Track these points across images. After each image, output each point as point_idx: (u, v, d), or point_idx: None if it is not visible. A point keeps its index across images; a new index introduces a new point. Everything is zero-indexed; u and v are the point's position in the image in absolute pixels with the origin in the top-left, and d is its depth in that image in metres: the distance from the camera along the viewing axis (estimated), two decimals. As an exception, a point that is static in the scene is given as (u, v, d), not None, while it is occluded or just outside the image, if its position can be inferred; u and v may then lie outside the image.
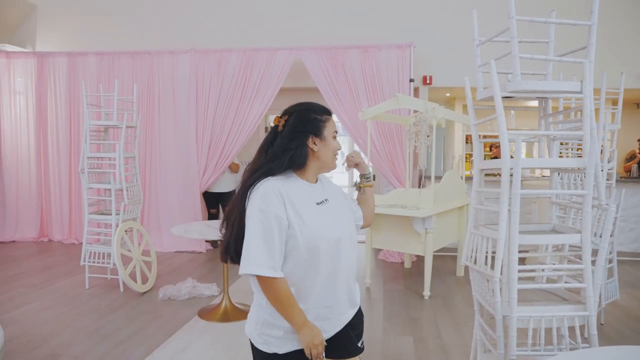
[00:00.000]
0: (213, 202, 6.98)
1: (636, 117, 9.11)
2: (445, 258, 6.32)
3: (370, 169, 1.95)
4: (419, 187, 6.35)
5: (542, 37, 2.44)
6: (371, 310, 4.34)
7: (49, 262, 5.93)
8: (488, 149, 9.83)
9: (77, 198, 7.08)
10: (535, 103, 2.67)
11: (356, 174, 1.97)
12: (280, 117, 1.77)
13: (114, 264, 4.70)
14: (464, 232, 5.40)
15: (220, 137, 6.68)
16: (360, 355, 1.82)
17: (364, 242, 5.06)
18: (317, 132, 1.72)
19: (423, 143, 5.09)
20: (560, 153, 4.14)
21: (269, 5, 7.18)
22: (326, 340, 1.68)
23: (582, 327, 2.21)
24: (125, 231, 4.77)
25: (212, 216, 7.00)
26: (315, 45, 6.49)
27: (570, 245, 2.56)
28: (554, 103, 3.77)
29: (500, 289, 2.17)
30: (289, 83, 6.77)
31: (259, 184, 1.63)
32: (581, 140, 2.23)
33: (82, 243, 5.04)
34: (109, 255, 4.89)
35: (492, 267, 2.17)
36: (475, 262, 2.35)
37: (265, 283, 1.59)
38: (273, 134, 1.74)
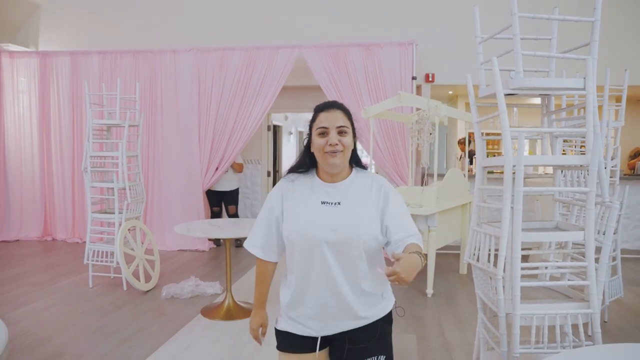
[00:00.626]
0: (216, 200, 6.98)
1: (640, 114, 9.06)
2: (449, 256, 6.31)
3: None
4: (422, 185, 6.35)
5: (544, 34, 2.44)
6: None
7: (53, 261, 5.95)
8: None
9: (81, 197, 7.10)
10: (538, 100, 2.66)
11: None
12: None
13: (117, 263, 4.71)
14: (467, 230, 5.40)
15: (223, 136, 6.68)
16: None
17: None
18: (310, 129, 1.72)
19: (426, 141, 5.08)
20: (564, 150, 4.13)
21: (271, 3, 7.17)
22: (324, 340, 1.72)
23: (585, 325, 2.21)
24: (129, 230, 4.78)
25: (215, 214, 7.00)
26: (317, 43, 6.48)
27: (573, 243, 2.56)
28: (557, 100, 3.77)
29: (504, 287, 2.16)
30: (292, 81, 6.77)
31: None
32: (584, 138, 2.23)
33: (85, 242, 5.05)
34: (112, 253, 4.90)
35: (495, 264, 2.17)
36: (478, 260, 2.34)
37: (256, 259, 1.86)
38: None
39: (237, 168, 6.90)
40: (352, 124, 1.71)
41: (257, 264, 1.87)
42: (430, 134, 5.05)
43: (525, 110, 8.39)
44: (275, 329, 1.83)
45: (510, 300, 2.13)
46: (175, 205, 6.85)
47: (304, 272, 1.68)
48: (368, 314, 1.69)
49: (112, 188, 4.86)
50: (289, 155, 11.81)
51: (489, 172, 2.58)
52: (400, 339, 3.66)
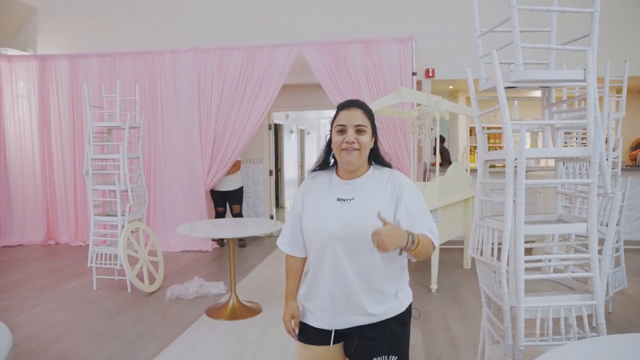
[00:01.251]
0: (220, 200, 6.99)
1: (641, 105, 9.03)
2: (452, 251, 6.31)
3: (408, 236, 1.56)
4: (424, 180, 6.35)
5: (544, 26, 2.43)
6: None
7: (57, 265, 5.96)
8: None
9: (83, 200, 7.11)
10: (538, 93, 2.66)
11: None
12: None
13: (121, 265, 4.72)
14: (469, 224, 5.39)
15: (224, 135, 6.68)
16: None
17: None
18: (331, 127, 1.76)
19: (427, 136, 5.07)
20: (565, 143, 4.12)
21: (270, 1, 7.16)
22: (339, 334, 1.75)
23: (590, 317, 2.21)
24: (132, 232, 4.78)
25: (219, 215, 7.01)
26: (316, 40, 6.47)
27: (576, 235, 2.55)
28: (558, 93, 3.75)
29: (507, 280, 2.16)
30: (291, 80, 6.76)
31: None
32: (585, 129, 2.22)
33: (88, 245, 5.06)
34: (115, 256, 4.90)
35: (499, 258, 2.16)
36: (481, 254, 2.34)
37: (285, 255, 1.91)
38: None
39: (234, 167, 6.88)
40: (373, 124, 1.74)
41: (287, 259, 1.91)
42: (432, 129, 5.05)
43: (525, 103, 8.38)
44: (301, 322, 1.86)
45: (515, 294, 2.13)
46: (178, 206, 6.85)
47: (318, 266, 1.72)
48: (378, 311, 1.68)
49: (114, 190, 4.87)
50: (291, 153, 11.81)
51: (490, 166, 2.57)
52: (405, 334, 3.66)
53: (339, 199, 1.70)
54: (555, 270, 2.59)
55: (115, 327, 3.88)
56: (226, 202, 7.01)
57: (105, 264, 4.93)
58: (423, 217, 1.68)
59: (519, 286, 2.10)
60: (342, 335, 1.77)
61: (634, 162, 8.00)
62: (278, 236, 1.93)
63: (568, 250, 2.54)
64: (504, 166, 2.15)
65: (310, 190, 1.80)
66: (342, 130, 1.68)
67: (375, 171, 1.77)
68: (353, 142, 1.66)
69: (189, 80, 6.73)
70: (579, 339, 2.22)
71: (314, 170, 1.85)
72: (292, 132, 11.81)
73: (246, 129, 6.64)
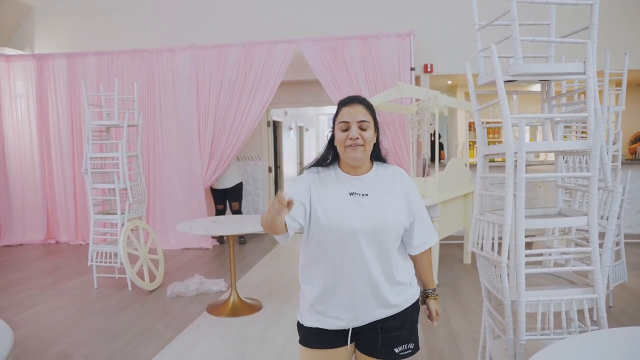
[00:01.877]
0: (220, 198, 6.98)
1: (641, 99, 9.02)
2: (452, 246, 6.31)
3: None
4: (423, 175, 6.34)
5: (543, 19, 2.42)
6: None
7: (57, 264, 5.96)
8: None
9: (82, 199, 7.11)
10: (537, 88, 2.65)
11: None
12: None
13: (122, 263, 4.71)
14: (469, 219, 5.39)
15: (223, 133, 6.68)
16: None
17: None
18: (333, 124, 1.75)
19: (426, 131, 5.07)
20: (565, 136, 4.11)
21: (267, -2, 7.14)
22: (354, 333, 1.74)
23: (590, 310, 2.21)
24: (132, 230, 4.78)
25: (219, 212, 7.00)
26: (314, 36, 6.46)
27: (577, 229, 2.55)
28: (557, 87, 3.75)
29: (508, 274, 2.16)
30: (290, 76, 6.75)
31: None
32: (585, 123, 2.21)
33: (88, 243, 5.06)
34: (116, 254, 4.90)
35: (499, 252, 2.16)
36: (482, 249, 2.34)
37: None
38: None
39: None
40: (375, 119, 1.76)
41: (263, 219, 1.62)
42: (430, 124, 5.04)
43: (525, 97, 8.37)
44: (300, 325, 1.80)
45: (515, 288, 2.12)
46: (178, 203, 6.85)
47: (338, 262, 1.69)
48: (399, 301, 1.73)
49: (114, 189, 4.86)
50: (290, 150, 11.79)
51: (490, 160, 2.56)
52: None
53: (351, 193, 1.70)
54: (556, 264, 2.59)
55: (116, 325, 3.89)
56: (225, 199, 7.00)
57: (105, 262, 4.93)
58: (424, 214, 1.81)
59: (519, 280, 2.09)
60: (356, 334, 1.75)
61: (634, 155, 7.99)
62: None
63: (568, 244, 2.54)
64: (503, 160, 2.15)
65: (317, 185, 1.73)
66: (346, 127, 1.69)
67: (380, 168, 1.79)
68: (357, 138, 1.66)
69: (187, 77, 6.71)
70: (580, 332, 2.22)
71: (312, 166, 1.81)
72: (290, 129, 11.79)
73: (245, 126, 6.63)
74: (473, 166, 6.42)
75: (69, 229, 7.25)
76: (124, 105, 5.73)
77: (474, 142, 9.15)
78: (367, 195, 1.70)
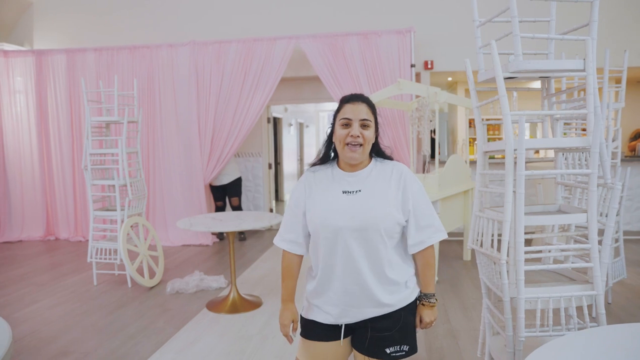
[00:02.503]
0: (219, 195, 6.98)
1: (640, 95, 9.03)
2: (452, 243, 6.32)
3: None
4: (423, 172, 6.34)
5: (543, 16, 2.41)
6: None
7: (57, 260, 5.97)
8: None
9: (82, 195, 7.11)
10: (537, 84, 2.64)
11: None
12: None
13: (121, 260, 4.72)
14: (469, 216, 5.40)
15: (223, 129, 6.67)
16: None
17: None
18: (333, 121, 1.76)
19: (426, 128, 5.06)
20: (565, 133, 4.11)
21: (266, -6, 7.13)
22: (348, 329, 1.76)
23: (589, 307, 2.21)
24: (131, 226, 4.78)
25: (218, 209, 7.01)
26: (314, 33, 6.44)
27: (576, 225, 2.55)
28: (557, 84, 3.74)
29: (507, 271, 2.16)
30: (290, 72, 6.74)
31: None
32: (585, 120, 2.21)
33: (88, 240, 5.06)
34: (115, 251, 4.90)
35: (499, 249, 2.16)
36: (481, 245, 2.34)
37: (282, 252, 1.85)
38: None
39: None
40: (376, 118, 1.76)
41: (284, 257, 1.83)
42: (431, 121, 5.03)
43: (525, 94, 8.36)
44: (301, 317, 1.86)
45: (515, 285, 2.13)
46: (178, 200, 6.85)
47: (328, 260, 1.70)
48: (390, 301, 1.71)
49: (113, 185, 4.86)
50: (290, 147, 11.79)
51: (490, 157, 2.56)
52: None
53: (344, 192, 1.71)
54: (555, 261, 2.59)
55: (116, 322, 3.89)
56: (225, 196, 7.00)
57: (105, 258, 4.93)
58: (425, 211, 1.75)
59: (519, 277, 2.10)
60: (351, 330, 1.77)
61: (633, 152, 8.00)
62: (278, 229, 1.91)
63: (568, 240, 2.54)
64: (503, 157, 2.15)
65: (312, 184, 1.78)
66: (347, 124, 1.69)
67: (378, 163, 1.78)
68: (358, 136, 1.67)
69: (187, 73, 6.70)
70: (579, 329, 2.23)
71: (315, 164, 1.83)
72: (291, 125, 11.79)
73: (245, 122, 6.62)
74: (473, 163, 6.42)
75: (69, 225, 7.25)
76: (124, 102, 5.73)
77: (474, 139, 9.15)
78: (360, 191, 1.70)
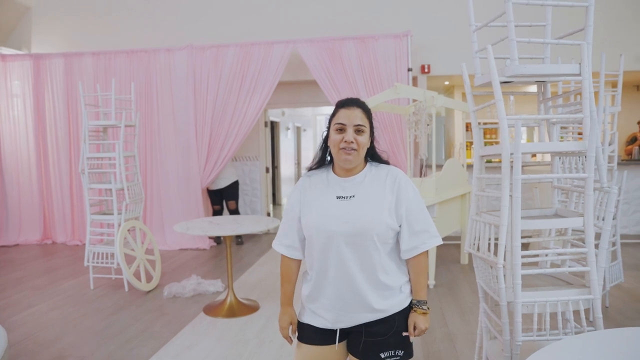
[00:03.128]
0: (216, 199, 6.98)
1: (637, 100, 9.06)
2: (449, 247, 6.32)
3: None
4: (421, 176, 6.34)
5: (539, 21, 2.42)
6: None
7: (54, 264, 5.95)
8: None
9: (79, 199, 7.09)
10: (534, 89, 2.65)
11: None
12: None
13: (118, 264, 4.71)
14: (466, 220, 5.40)
15: (220, 133, 6.67)
16: None
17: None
18: (329, 125, 1.75)
19: (423, 132, 5.07)
20: (562, 137, 4.12)
21: (264, -2, 7.14)
22: (343, 333, 1.76)
23: (587, 311, 2.21)
24: (128, 230, 4.77)
25: (216, 213, 7.00)
26: (312, 37, 6.46)
27: (573, 229, 2.55)
28: (553, 88, 3.75)
29: (504, 275, 2.16)
30: (287, 76, 6.76)
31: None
32: (581, 124, 2.22)
33: (85, 244, 5.05)
34: (112, 255, 4.89)
35: (496, 253, 2.16)
36: (478, 249, 2.34)
37: (281, 257, 1.86)
38: None
39: None
40: (371, 124, 1.76)
41: (282, 262, 1.86)
42: (428, 125, 5.04)
43: (521, 98, 8.39)
44: (297, 321, 1.87)
45: (512, 289, 2.13)
46: (175, 204, 6.84)
47: (322, 265, 1.71)
48: (384, 306, 1.70)
49: (111, 189, 4.85)
50: (287, 151, 11.79)
51: (487, 161, 2.57)
52: (403, 330, 3.66)
53: (338, 197, 1.70)
54: (552, 265, 2.60)
55: (113, 326, 3.88)
56: (222, 200, 7.00)
57: (102, 262, 4.92)
58: (420, 216, 1.73)
59: (516, 281, 2.10)
60: (346, 334, 1.77)
61: (630, 156, 8.02)
62: (275, 233, 1.92)
63: (565, 244, 2.55)
64: (500, 161, 2.15)
65: (307, 189, 1.78)
66: (341, 129, 1.68)
67: (373, 168, 1.78)
68: (352, 142, 1.66)
69: (184, 77, 6.71)
70: (576, 333, 2.22)
71: (311, 168, 1.83)
72: (288, 129, 11.79)
73: (242, 126, 6.63)
74: (470, 167, 6.43)
75: (66, 229, 7.23)
76: (121, 105, 5.73)
77: (471, 143, 9.16)
78: (353, 196, 1.69)
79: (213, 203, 7.00)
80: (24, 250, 6.83)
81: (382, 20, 6.81)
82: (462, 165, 5.71)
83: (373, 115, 1.80)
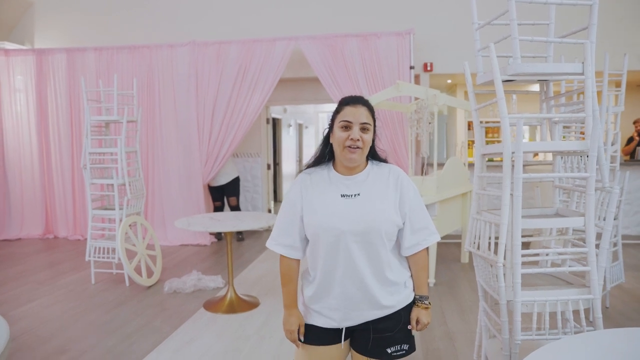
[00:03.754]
0: (217, 195, 6.98)
1: (637, 100, 9.03)
2: (450, 245, 6.32)
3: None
4: (422, 174, 6.34)
5: (542, 19, 2.42)
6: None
7: (55, 259, 5.96)
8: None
9: (81, 194, 7.11)
10: (536, 87, 2.65)
11: None
12: None
13: (119, 259, 4.72)
14: (467, 218, 5.40)
15: (221, 129, 6.67)
16: None
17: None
18: (332, 122, 1.74)
19: (425, 130, 5.06)
20: (564, 136, 4.11)
21: (267, -5, 7.13)
22: (348, 332, 1.75)
23: (587, 311, 2.21)
24: (130, 226, 4.78)
25: (217, 209, 7.01)
26: (314, 34, 6.45)
27: (574, 229, 2.55)
28: (556, 87, 3.74)
29: (504, 274, 2.16)
30: (289, 73, 6.74)
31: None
32: (583, 123, 2.21)
33: (87, 239, 5.06)
34: (113, 250, 4.90)
35: (496, 252, 2.16)
36: (478, 248, 2.34)
37: (280, 257, 1.81)
38: None
39: None
40: (375, 122, 1.76)
41: (282, 262, 1.80)
42: (429, 123, 5.03)
43: (524, 97, 8.37)
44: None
45: (512, 288, 2.13)
46: (176, 199, 6.85)
47: (329, 264, 1.69)
48: (392, 302, 1.72)
49: (112, 184, 4.86)
50: (289, 147, 11.79)
51: (489, 160, 2.57)
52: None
53: (343, 195, 1.69)
54: (553, 265, 2.59)
55: (114, 321, 3.89)
56: (223, 196, 7.00)
57: (103, 257, 4.93)
58: (420, 214, 1.76)
59: (515, 280, 2.10)
60: (350, 332, 1.77)
61: (629, 157, 7.98)
62: None
63: (565, 244, 2.54)
64: (501, 160, 2.15)
65: (308, 187, 1.75)
66: (347, 127, 1.67)
67: (374, 166, 1.77)
68: (358, 140, 1.65)
69: (186, 74, 6.70)
70: (575, 333, 2.22)
71: (310, 165, 1.81)
72: (290, 126, 11.78)
73: (243, 123, 6.63)
74: (472, 165, 6.42)
75: (67, 224, 7.24)
76: (123, 101, 5.73)
77: (473, 142, 9.15)
78: (358, 195, 1.69)
79: (214, 199, 7.00)
80: (25, 244, 6.85)
81: (385, 18, 6.79)
82: (464, 163, 5.70)
83: (375, 112, 1.80)
